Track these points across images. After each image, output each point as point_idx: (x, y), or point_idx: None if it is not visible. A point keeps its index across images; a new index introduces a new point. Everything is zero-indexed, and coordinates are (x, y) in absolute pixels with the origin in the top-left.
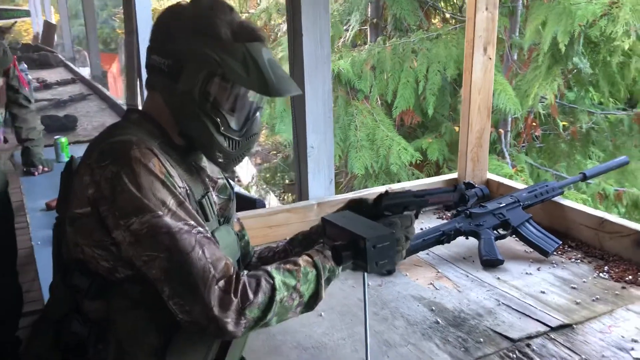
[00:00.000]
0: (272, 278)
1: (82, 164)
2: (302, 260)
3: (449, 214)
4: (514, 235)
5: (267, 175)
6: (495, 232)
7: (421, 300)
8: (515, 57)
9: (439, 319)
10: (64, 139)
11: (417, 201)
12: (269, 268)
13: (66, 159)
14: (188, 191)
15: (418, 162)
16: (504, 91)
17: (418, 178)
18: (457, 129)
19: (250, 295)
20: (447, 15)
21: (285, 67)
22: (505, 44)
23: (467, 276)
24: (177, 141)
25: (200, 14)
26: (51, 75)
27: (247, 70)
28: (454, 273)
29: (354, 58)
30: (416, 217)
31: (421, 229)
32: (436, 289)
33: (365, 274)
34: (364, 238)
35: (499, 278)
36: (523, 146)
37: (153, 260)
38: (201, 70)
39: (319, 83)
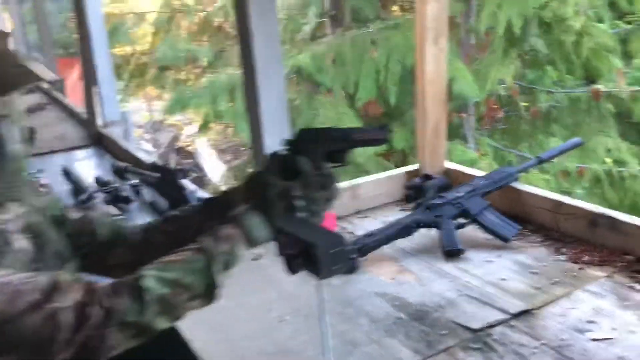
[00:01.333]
0: (141, 278)
1: None
2: (189, 248)
3: (411, 207)
4: (474, 225)
5: (238, 173)
6: (455, 221)
7: (384, 296)
8: (473, 41)
9: (402, 314)
10: None
11: (341, 137)
12: (144, 268)
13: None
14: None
15: (384, 152)
16: (463, 77)
17: (387, 169)
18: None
19: (111, 304)
20: (404, 4)
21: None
22: (462, 29)
23: (430, 268)
24: None
25: None
26: None
27: None
28: (416, 266)
29: (314, 52)
30: (346, 161)
31: (384, 221)
32: (399, 283)
33: (320, 285)
34: (315, 245)
35: (460, 268)
36: (486, 129)
37: None
38: None
39: (273, 84)
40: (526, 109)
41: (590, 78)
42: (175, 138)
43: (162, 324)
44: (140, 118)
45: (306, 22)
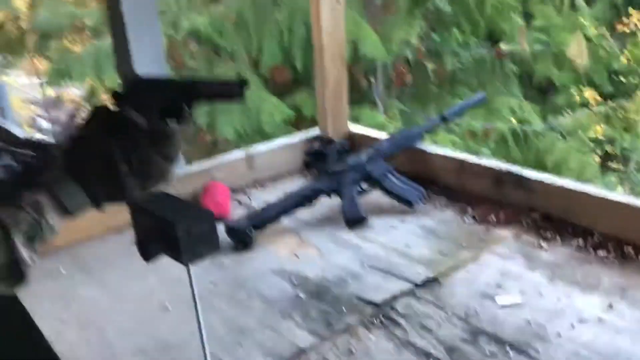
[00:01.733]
0: None
1: None
2: None
3: (311, 174)
4: (377, 189)
5: None
6: (358, 188)
7: (281, 273)
8: (378, 2)
9: (300, 293)
10: None
11: (181, 86)
12: None
13: None
14: None
15: (293, 119)
16: (368, 37)
17: None
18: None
19: None
20: None
21: None
22: None
23: (332, 239)
24: None
25: None
26: None
27: None
28: (317, 238)
29: (213, 13)
30: (184, 118)
31: (283, 193)
32: (298, 258)
33: (189, 269)
34: (173, 224)
35: (363, 237)
36: (394, 92)
37: None
38: None
39: (146, 41)
40: (433, 71)
41: (494, 39)
42: (74, 115)
43: None
44: (34, 94)
45: None
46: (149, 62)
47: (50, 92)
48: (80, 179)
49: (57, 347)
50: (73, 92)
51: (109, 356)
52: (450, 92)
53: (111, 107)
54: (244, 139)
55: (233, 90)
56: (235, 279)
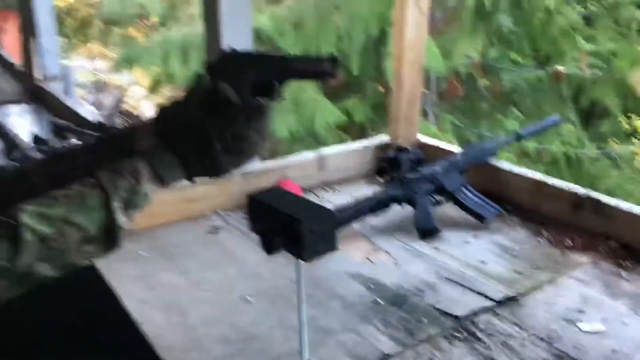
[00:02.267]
0: (19, 212)
1: None
2: (84, 182)
3: (383, 181)
4: (450, 201)
5: None
6: (431, 198)
7: (357, 277)
8: (440, 14)
9: (377, 298)
10: None
11: (274, 64)
12: (24, 203)
13: None
14: None
15: (344, 124)
16: (429, 49)
17: (345, 141)
18: (381, 88)
19: None
20: None
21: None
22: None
23: (405, 247)
24: None
25: None
26: None
27: None
28: (390, 245)
29: (275, 14)
30: (280, 95)
31: (352, 197)
32: (373, 263)
33: (301, 266)
34: (300, 220)
35: (437, 248)
36: (446, 105)
37: None
38: None
39: (239, 39)
40: (487, 87)
41: (551, 60)
42: (120, 100)
43: (46, 271)
44: (82, 77)
45: None
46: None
47: (98, 77)
48: (177, 151)
49: (143, 326)
50: (120, 78)
51: (194, 342)
52: (502, 111)
53: (206, 81)
54: (296, 140)
55: (325, 68)
56: (312, 279)
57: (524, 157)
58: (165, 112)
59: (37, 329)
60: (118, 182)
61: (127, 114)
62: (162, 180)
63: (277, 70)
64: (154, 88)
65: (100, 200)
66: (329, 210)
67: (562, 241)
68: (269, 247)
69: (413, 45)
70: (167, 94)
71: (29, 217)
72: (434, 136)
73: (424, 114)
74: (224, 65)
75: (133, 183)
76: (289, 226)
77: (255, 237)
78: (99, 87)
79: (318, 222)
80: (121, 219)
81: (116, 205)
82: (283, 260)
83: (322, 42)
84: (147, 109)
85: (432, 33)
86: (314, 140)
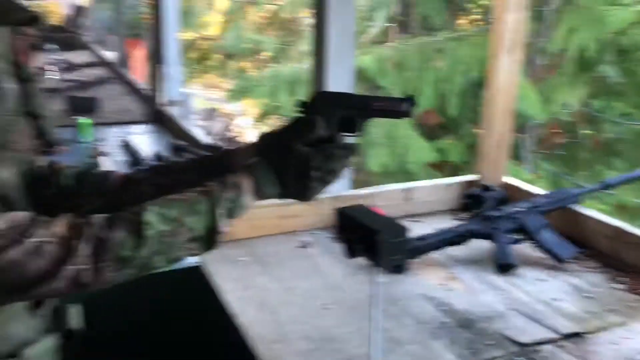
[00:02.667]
0: (142, 211)
1: None
2: (195, 190)
3: (466, 216)
4: (530, 241)
5: None
6: (510, 236)
7: (431, 300)
8: (541, 62)
9: (448, 319)
10: (85, 120)
11: (358, 103)
12: (145, 203)
13: (88, 140)
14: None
15: (437, 162)
16: (527, 96)
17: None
18: (478, 131)
19: (104, 235)
20: (474, 17)
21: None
22: (531, 48)
23: (479, 279)
24: None
25: None
26: (77, 57)
27: None
28: (466, 275)
29: (378, 54)
30: (362, 130)
31: (436, 228)
32: (447, 289)
33: (377, 269)
34: (378, 232)
35: (511, 282)
36: (544, 152)
37: None
38: None
39: (342, 75)
40: (588, 137)
41: None
42: (227, 128)
43: (159, 263)
44: (198, 104)
45: (373, 25)
46: (342, 86)
47: (212, 104)
48: (278, 172)
49: (240, 318)
50: (230, 107)
51: (281, 336)
52: (603, 162)
53: (302, 115)
54: (387, 175)
55: (402, 108)
56: (389, 297)
57: (621, 210)
58: (266, 138)
59: (155, 314)
60: (223, 193)
61: (233, 140)
62: (260, 195)
63: (360, 109)
64: (261, 118)
65: (208, 207)
66: (403, 225)
67: (638, 289)
68: (351, 253)
69: (504, 90)
70: (272, 124)
71: (151, 216)
72: (528, 182)
73: (520, 159)
74: (317, 104)
75: (235, 195)
76: (369, 236)
77: (339, 253)
78: (209, 114)
79: (393, 235)
80: (223, 224)
81: (220, 212)
82: (363, 278)
83: (422, 83)
84: (251, 137)
85: (533, 79)
86: (405, 176)
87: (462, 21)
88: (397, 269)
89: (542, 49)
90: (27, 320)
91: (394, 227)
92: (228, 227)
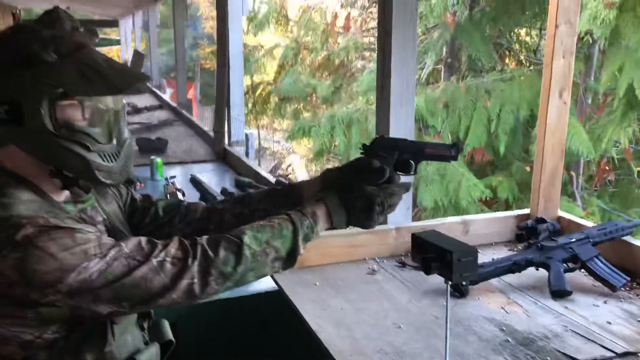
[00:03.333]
0: (241, 234)
1: None
2: (279, 217)
3: (520, 247)
4: (582, 270)
5: None
6: (564, 265)
7: (492, 321)
8: (590, 101)
9: (509, 338)
10: (158, 160)
11: (412, 148)
12: (242, 227)
13: (160, 178)
14: (106, 223)
15: (487, 199)
16: (577, 134)
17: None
18: (528, 168)
19: (211, 254)
20: (522, 58)
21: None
22: (580, 88)
23: (536, 304)
24: (53, 190)
25: (13, 48)
26: (140, 100)
27: (88, 79)
28: (523, 300)
29: (428, 95)
30: (415, 171)
31: (493, 258)
32: (506, 312)
33: (449, 286)
34: (451, 252)
35: (566, 307)
36: (595, 190)
37: (97, 297)
38: (42, 101)
39: (403, 120)
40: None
41: None
42: (277, 166)
43: (251, 278)
44: (256, 144)
45: (422, 67)
46: (403, 128)
47: (269, 144)
48: (346, 205)
49: (319, 335)
50: (284, 146)
51: (358, 350)
52: None
53: (363, 157)
54: (439, 210)
55: (450, 153)
56: (454, 317)
57: None
58: (331, 175)
59: (240, 331)
60: (303, 220)
61: (286, 177)
62: (331, 223)
63: (414, 153)
64: (316, 157)
65: (291, 232)
66: (473, 247)
67: None
68: (427, 270)
69: (554, 130)
70: (327, 161)
71: (248, 238)
72: (579, 217)
73: (572, 195)
74: (376, 147)
75: (313, 222)
76: (443, 256)
77: (404, 279)
78: (260, 153)
79: (465, 254)
80: (301, 247)
81: (300, 237)
82: (428, 301)
83: (472, 123)
84: (303, 175)
85: (582, 117)
86: (456, 212)
87: (508, 62)
88: (460, 293)
89: (591, 88)
90: (137, 331)
91: (465, 248)
92: (304, 250)
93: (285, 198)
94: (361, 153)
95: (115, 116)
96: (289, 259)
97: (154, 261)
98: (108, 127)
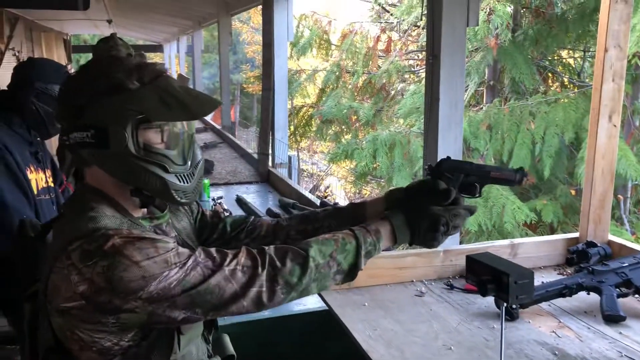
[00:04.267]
0: (307, 246)
1: (59, 261)
2: (343, 232)
3: (570, 270)
4: (636, 295)
5: None
6: (617, 289)
7: (544, 345)
8: (638, 123)
9: None
10: (206, 181)
11: (478, 171)
12: (308, 240)
13: (207, 198)
14: (178, 239)
15: (532, 222)
16: (625, 157)
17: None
18: (573, 192)
19: (278, 264)
20: (565, 80)
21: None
22: (628, 110)
23: (589, 328)
24: (132, 208)
25: (99, 76)
26: None
27: (167, 105)
28: (575, 324)
29: (471, 118)
30: (479, 194)
31: (542, 282)
32: (558, 336)
33: (504, 308)
34: (508, 274)
35: (621, 333)
36: None
37: (174, 303)
38: (126, 126)
39: (451, 142)
40: None
41: None
42: (316, 187)
43: (313, 289)
44: (299, 166)
45: (466, 89)
46: (451, 150)
47: (309, 165)
48: (413, 226)
49: (370, 355)
50: (323, 168)
51: None
52: None
53: (429, 178)
54: (483, 234)
55: (516, 178)
56: (505, 340)
57: None
58: (396, 194)
59: (293, 348)
60: (366, 237)
61: (325, 197)
62: (395, 241)
63: (480, 176)
64: (361, 177)
65: (354, 247)
66: (529, 270)
67: None
68: (484, 292)
69: (604, 153)
70: (365, 185)
71: (313, 250)
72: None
73: (619, 219)
74: (442, 169)
75: (376, 239)
76: (500, 278)
77: (453, 301)
78: (305, 173)
79: (521, 276)
80: (362, 262)
81: (362, 252)
82: (478, 323)
83: (516, 145)
84: (341, 196)
85: (630, 141)
86: (501, 236)
87: (552, 84)
88: (510, 317)
89: (639, 110)
90: (202, 343)
91: (521, 271)
92: (365, 265)
93: (348, 216)
94: (427, 174)
95: (189, 139)
96: (350, 273)
97: (226, 270)
98: (183, 150)
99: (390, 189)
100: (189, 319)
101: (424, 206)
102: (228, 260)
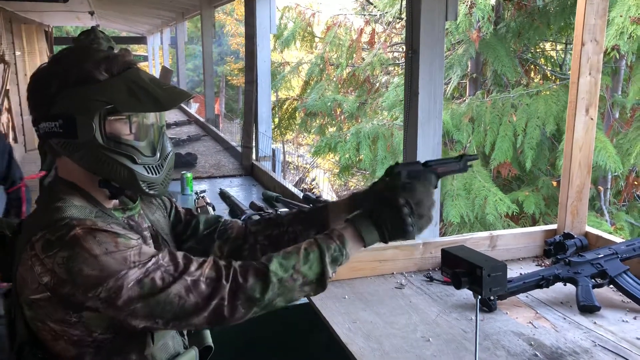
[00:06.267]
0: (268, 262)
1: (25, 252)
2: (305, 242)
3: (548, 262)
4: (611, 285)
5: None
6: (592, 280)
7: (520, 335)
8: (617, 115)
9: (537, 353)
10: (189, 174)
11: (428, 171)
12: (270, 255)
13: (190, 192)
14: (151, 230)
15: (514, 213)
16: (604, 149)
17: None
18: (554, 183)
19: (240, 279)
20: (547, 73)
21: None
22: (607, 102)
23: (565, 319)
24: (103, 199)
25: (69, 67)
26: (169, 116)
27: (136, 96)
28: (551, 315)
29: (454, 110)
30: (435, 186)
31: (520, 273)
32: (535, 327)
33: (478, 300)
34: (481, 267)
35: (595, 323)
36: (623, 205)
37: (133, 311)
38: (94, 116)
39: (430, 135)
40: None
41: None
42: (301, 180)
43: (279, 303)
44: (282, 159)
45: (447, 82)
46: (430, 144)
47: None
48: (378, 222)
49: (349, 347)
50: (307, 160)
51: None
52: None
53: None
54: (465, 225)
55: (458, 167)
56: (482, 332)
57: None
58: (360, 195)
59: (273, 341)
60: (330, 243)
61: (311, 190)
62: (363, 243)
63: (431, 166)
64: (344, 170)
65: (318, 256)
66: (502, 262)
67: None
68: (457, 285)
69: (581, 146)
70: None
71: (274, 265)
72: (607, 232)
73: (599, 210)
74: (400, 166)
75: (341, 244)
76: (473, 271)
77: (432, 294)
78: (284, 167)
79: (494, 269)
80: (330, 270)
81: (327, 260)
82: (456, 315)
83: (498, 137)
84: (327, 188)
85: (609, 133)
86: (482, 227)
87: (534, 77)
88: (487, 308)
89: (618, 102)
90: (178, 337)
91: (494, 264)
92: (335, 273)
93: (312, 219)
94: (387, 174)
95: (159, 131)
96: (319, 283)
97: (189, 279)
98: (152, 142)
99: (353, 191)
100: (150, 328)
101: (382, 200)
102: (193, 268)
